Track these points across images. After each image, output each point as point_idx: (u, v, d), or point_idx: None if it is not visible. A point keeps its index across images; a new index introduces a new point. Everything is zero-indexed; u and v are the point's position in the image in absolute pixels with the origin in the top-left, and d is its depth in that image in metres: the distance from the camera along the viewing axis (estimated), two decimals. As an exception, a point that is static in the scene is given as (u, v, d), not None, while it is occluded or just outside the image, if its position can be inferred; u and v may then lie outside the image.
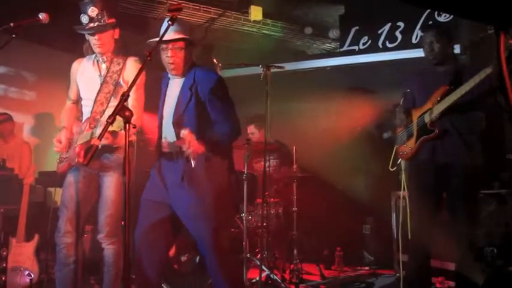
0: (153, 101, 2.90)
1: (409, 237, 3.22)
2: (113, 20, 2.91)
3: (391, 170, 3.45)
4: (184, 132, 2.43)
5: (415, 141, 3.21)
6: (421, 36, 5.35)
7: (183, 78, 2.76)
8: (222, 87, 2.76)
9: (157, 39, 2.57)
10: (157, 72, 2.93)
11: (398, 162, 3.40)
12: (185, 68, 2.74)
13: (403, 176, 3.33)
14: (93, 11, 2.84)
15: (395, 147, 3.42)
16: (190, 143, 2.43)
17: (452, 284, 3.68)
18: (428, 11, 5.34)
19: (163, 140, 2.76)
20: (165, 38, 2.54)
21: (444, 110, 3.04)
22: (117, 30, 3.00)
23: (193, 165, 2.53)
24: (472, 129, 3.10)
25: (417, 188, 3.24)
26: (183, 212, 2.69)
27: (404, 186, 3.31)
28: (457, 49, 5.06)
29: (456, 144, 3.07)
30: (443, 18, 5.28)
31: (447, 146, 3.09)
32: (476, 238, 3.47)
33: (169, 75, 2.82)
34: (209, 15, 5.68)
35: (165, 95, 2.81)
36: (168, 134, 2.73)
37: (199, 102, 2.68)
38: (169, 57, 2.67)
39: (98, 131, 2.68)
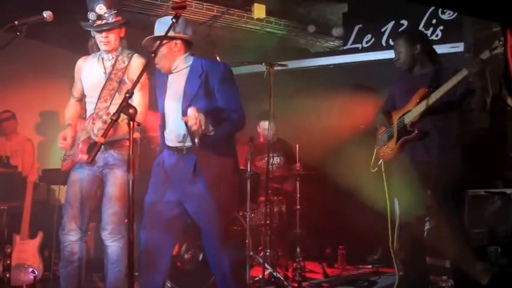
0: (156, 99, 2.90)
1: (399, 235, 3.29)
2: (119, 18, 2.93)
3: (372, 171, 3.49)
4: (191, 110, 2.45)
5: (395, 142, 3.26)
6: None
7: (187, 70, 2.75)
8: (231, 76, 2.78)
9: (153, 36, 2.64)
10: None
11: (379, 163, 3.43)
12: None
13: (384, 176, 3.37)
14: (101, 9, 2.85)
15: (375, 149, 3.47)
16: (197, 119, 2.43)
17: (455, 282, 3.68)
18: (432, 8, 5.32)
19: (169, 133, 2.77)
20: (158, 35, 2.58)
21: (423, 112, 3.08)
22: (123, 28, 3.01)
23: (197, 143, 2.56)
24: (452, 129, 3.13)
25: (401, 187, 3.25)
26: (196, 207, 2.70)
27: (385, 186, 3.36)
28: (460, 47, 5.05)
29: (436, 144, 3.10)
30: (447, 16, 5.27)
31: (427, 146, 3.13)
32: (468, 236, 3.51)
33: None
34: (212, 13, 5.67)
35: (166, 89, 2.80)
36: (177, 126, 2.71)
37: (209, 90, 2.69)
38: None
39: (96, 126, 2.69)
